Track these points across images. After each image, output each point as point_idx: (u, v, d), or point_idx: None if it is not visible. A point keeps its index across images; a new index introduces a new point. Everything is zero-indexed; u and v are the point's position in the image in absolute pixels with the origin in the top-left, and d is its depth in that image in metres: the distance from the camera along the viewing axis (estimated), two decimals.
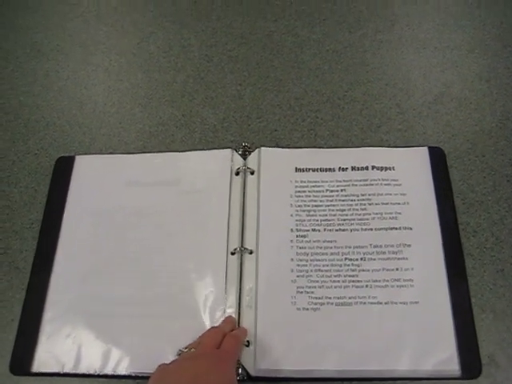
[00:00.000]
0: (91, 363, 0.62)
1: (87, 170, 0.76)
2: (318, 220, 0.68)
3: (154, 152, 0.76)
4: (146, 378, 0.60)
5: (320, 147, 0.75)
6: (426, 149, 0.72)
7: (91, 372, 0.62)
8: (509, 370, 0.60)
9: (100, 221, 0.71)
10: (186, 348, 0.58)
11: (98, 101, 0.83)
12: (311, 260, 0.65)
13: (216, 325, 0.62)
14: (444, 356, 0.59)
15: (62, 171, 0.76)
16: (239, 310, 0.64)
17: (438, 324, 0.61)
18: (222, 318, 0.63)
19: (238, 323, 0.63)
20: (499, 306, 0.63)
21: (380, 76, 0.81)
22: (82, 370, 0.62)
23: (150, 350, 0.62)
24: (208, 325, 0.63)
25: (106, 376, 0.62)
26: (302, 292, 0.63)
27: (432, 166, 0.71)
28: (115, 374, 0.62)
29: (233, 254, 0.67)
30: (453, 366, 0.59)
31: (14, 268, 0.70)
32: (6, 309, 0.67)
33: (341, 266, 0.65)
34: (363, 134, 0.75)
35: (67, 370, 0.62)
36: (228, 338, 0.58)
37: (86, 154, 0.77)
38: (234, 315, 0.63)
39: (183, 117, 0.80)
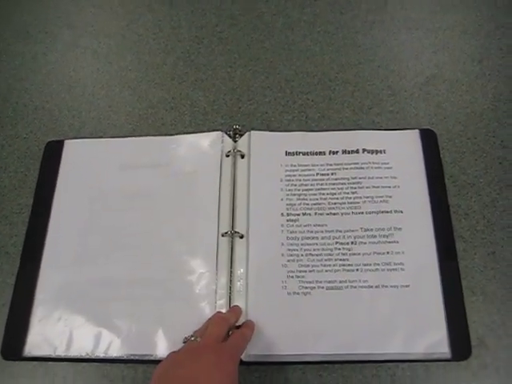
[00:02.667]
0: (83, 346, 0.63)
1: (77, 155, 0.75)
2: (308, 204, 0.67)
3: (143, 135, 0.76)
4: (136, 360, 0.62)
5: (311, 129, 0.74)
6: (417, 131, 0.72)
7: (83, 354, 0.62)
8: (498, 351, 0.60)
9: (89, 204, 0.71)
10: (192, 336, 0.56)
11: (87, 84, 0.82)
12: (302, 244, 0.65)
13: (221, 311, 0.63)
14: (435, 339, 0.60)
15: (52, 155, 0.75)
16: (230, 294, 0.64)
17: (428, 307, 0.61)
18: (213, 300, 0.63)
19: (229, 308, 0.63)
20: (489, 289, 0.63)
21: (372, 57, 0.80)
22: (74, 352, 0.62)
23: (141, 333, 0.63)
24: (200, 306, 0.63)
25: (97, 359, 0.62)
26: (292, 276, 0.63)
27: (423, 149, 0.70)
28: (106, 356, 0.62)
29: (223, 235, 0.67)
30: (443, 349, 0.59)
31: (4, 253, 0.69)
32: None
33: (332, 249, 0.64)
34: (354, 116, 0.75)
35: (59, 352, 0.63)
36: (235, 335, 0.58)
37: (75, 137, 0.76)
38: (225, 298, 0.63)
39: (173, 99, 0.79)
